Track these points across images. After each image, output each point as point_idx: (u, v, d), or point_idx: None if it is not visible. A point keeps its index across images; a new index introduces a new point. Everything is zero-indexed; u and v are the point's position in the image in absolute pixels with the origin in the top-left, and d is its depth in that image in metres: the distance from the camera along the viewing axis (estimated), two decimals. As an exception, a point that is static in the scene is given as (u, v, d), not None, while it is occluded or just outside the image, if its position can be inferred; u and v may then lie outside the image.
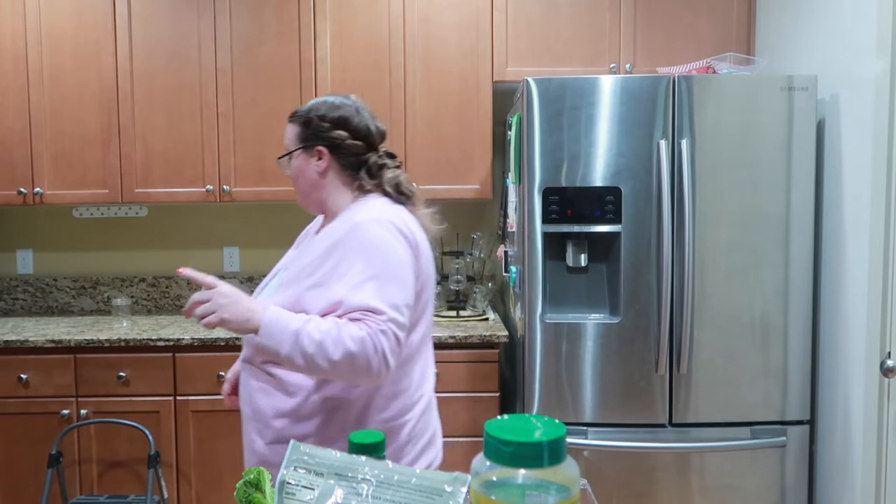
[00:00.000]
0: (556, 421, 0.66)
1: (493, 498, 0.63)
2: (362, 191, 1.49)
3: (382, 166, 1.50)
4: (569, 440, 2.30)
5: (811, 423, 2.38)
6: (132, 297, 3.22)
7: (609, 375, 2.31)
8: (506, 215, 2.81)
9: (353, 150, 1.47)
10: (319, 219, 1.62)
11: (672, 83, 2.26)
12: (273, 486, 0.82)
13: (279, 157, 1.54)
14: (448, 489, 0.69)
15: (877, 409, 2.05)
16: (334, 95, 1.52)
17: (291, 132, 1.51)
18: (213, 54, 2.81)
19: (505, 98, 3.07)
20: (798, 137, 2.26)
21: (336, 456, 0.74)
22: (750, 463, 2.32)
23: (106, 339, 2.56)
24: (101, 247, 3.25)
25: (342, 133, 1.46)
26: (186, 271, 1.31)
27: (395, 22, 2.81)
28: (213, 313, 1.27)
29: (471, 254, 3.08)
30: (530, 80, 2.27)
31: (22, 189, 2.83)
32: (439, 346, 2.57)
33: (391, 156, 1.54)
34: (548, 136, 2.27)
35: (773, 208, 2.27)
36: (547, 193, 2.29)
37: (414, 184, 1.55)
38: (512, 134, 2.46)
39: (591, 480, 2.33)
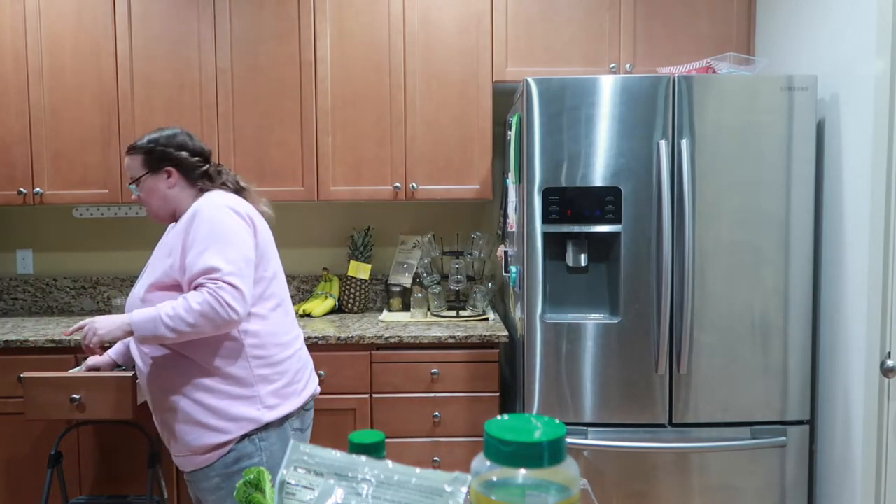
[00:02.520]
0: (556, 421, 0.66)
1: (493, 498, 0.63)
2: (203, 192, 1.84)
3: (220, 172, 1.89)
4: (569, 440, 2.31)
5: (811, 423, 2.38)
6: (132, 297, 3.21)
7: (609, 375, 2.31)
8: (506, 215, 2.81)
9: (194, 164, 1.86)
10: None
11: (672, 83, 2.26)
12: (273, 485, 0.82)
13: (130, 184, 1.87)
14: (448, 489, 0.69)
15: (877, 409, 2.06)
16: (163, 128, 1.89)
17: (135, 162, 1.84)
18: (213, 54, 2.81)
19: (505, 98, 3.07)
20: (798, 137, 2.26)
21: (336, 456, 0.74)
22: (750, 463, 2.32)
23: (106, 339, 2.56)
24: (101, 247, 3.25)
25: (184, 153, 1.84)
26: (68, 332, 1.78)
27: (395, 22, 2.81)
28: (89, 335, 1.70)
29: (471, 254, 3.08)
30: (530, 80, 2.27)
31: (22, 189, 2.83)
32: (439, 346, 2.58)
33: (220, 165, 1.93)
34: (548, 136, 2.28)
35: (773, 208, 2.27)
36: (547, 193, 2.29)
37: (245, 181, 1.92)
38: (512, 134, 2.46)
39: (591, 480, 2.33)
